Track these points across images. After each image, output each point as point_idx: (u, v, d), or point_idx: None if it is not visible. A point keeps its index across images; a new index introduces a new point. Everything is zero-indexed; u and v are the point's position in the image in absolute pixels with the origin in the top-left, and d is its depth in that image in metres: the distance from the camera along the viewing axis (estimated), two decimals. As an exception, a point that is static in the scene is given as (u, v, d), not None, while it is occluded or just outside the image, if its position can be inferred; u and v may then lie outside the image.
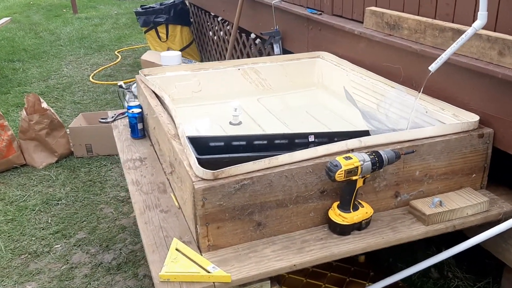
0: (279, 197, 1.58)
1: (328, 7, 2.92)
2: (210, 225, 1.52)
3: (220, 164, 1.63)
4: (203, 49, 5.85)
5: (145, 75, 2.51)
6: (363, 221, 1.62)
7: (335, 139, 1.97)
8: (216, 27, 5.15)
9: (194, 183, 1.49)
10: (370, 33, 2.42)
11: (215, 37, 5.20)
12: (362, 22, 2.57)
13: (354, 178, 1.54)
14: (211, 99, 2.65)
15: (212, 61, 5.48)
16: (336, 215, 1.60)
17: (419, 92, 1.88)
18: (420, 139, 1.75)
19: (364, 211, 1.62)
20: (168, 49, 5.32)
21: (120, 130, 2.52)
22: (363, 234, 1.63)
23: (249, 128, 2.33)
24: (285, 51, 3.45)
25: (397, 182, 1.74)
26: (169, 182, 1.96)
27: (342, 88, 2.64)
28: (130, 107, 2.43)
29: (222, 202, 1.51)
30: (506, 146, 1.79)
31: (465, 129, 1.81)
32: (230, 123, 2.38)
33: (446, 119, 1.94)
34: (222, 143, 1.84)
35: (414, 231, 1.65)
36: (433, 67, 1.80)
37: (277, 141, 1.90)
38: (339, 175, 1.51)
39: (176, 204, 1.81)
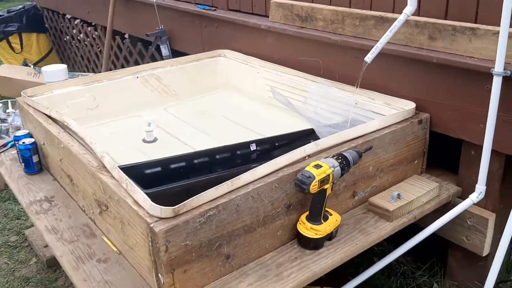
0: (247, 222, 1.39)
1: (222, 2, 2.75)
2: (176, 270, 1.27)
3: (169, 195, 1.39)
4: (64, 57, 5.27)
5: (29, 96, 2.09)
6: (333, 230, 1.50)
7: (276, 144, 1.83)
8: (79, 32, 4.66)
9: (151, 225, 1.22)
10: (279, 26, 2.31)
11: (78, 43, 4.70)
12: (266, 16, 2.45)
13: (325, 186, 1.40)
14: (111, 115, 2.31)
15: (78, 70, 4.97)
16: (308, 229, 1.46)
17: (356, 85, 1.81)
18: (369, 133, 1.68)
19: (334, 219, 1.50)
20: (25, 60, 4.68)
21: (8, 166, 2.07)
22: (336, 244, 1.51)
23: (169, 144, 2.06)
24: (175, 52, 3.19)
25: (354, 181, 1.65)
26: (95, 223, 1.64)
27: (253, 87, 2.50)
28: (18, 138, 2.00)
29: (187, 241, 1.27)
30: (443, 128, 1.81)
31: (406, 117, 1.78)
32: (144, 140, 2.09)
33: (380, 109, 1.91)
34: (159, 168, 1.58)
35: (382, 230, 1.58)
36: (369, 57, 1.74)
37: (218, 156, 1.69)
38: (314, 187, 1.36)
39: (115, 249, 1.50)
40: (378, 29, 1.90)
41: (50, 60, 4.94)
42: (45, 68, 2.33)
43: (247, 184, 1.39)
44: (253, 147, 1.76)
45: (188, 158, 1.62)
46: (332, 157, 1.45)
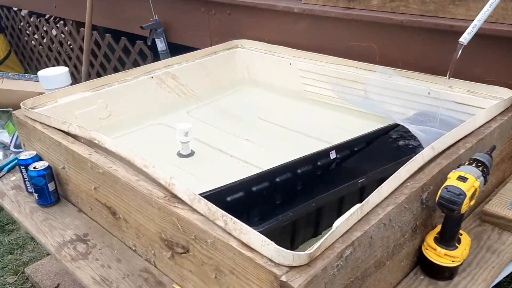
0: (378, 256, 1.09)
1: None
2: (312, 334, 0.95)
3: (276, 231, 1.07)
4: (25, 59, 4.72)
5: (30, 108, 1.68)
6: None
7: (355, 149, 1.53)
8: (43, 29, 4.14)
9: (283, 278, 0.90)
10: (319, 8, 1.99)
11: (43, 41, 4.19)
12: (294, -2, 2.13)
13: (471, 203, 1.12)
14: (128, 125, 1.93)
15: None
16: (441, 256, 1.17)
17: (449, 73, 1.52)
18: (477, 129, 1.41)
19: (466, 241, 1.22)
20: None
21: (12, 198, 1.66)
22: (468, 269, 1.23)
23: (211, 158, 1.72)
24: (172, 46, 2.81)
25: (466, 189, 1.37)
26: (157, 267, 1.28)
27: (284, 81, 2.17)
28: (24, 162, 1.60)
29: (325, 293, 0.95)
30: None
31: (507, 106, 1.53)
32: (180, 154, 1.74)
33: (463, 98, 1.64)
34: (242, 193, 1.24)
35: None
36: (466, 38, 1.45)
37: (299, 170, 1.37)
38: (465, 206, 1.07)
39: (198, 302, 1.16)
40: (457, 5, 1.63)
41: (9, 63, 4.39)
42: (43, 73, 1.90)
43: (374, 207, 1.08)
44: (332, 155, 1.45)
45: (269, 176, 1.29)
46: (470, 164, 1.16)
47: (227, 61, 2.31)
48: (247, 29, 2.36)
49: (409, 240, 1.18)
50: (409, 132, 1.55)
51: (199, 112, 2.08)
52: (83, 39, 3.64)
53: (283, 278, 0.90)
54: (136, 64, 3.28)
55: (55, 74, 1.87)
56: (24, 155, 1.62)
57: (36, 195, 1.58)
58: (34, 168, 1.55)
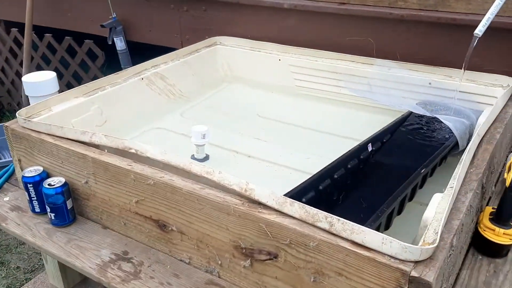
0: (461, 243, 1.13)
1: (212, -20, 2.32)
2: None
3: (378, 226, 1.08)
4: None
5: (27, 118, 1.50)
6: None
7: (384, 140, 1.57)
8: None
9: (413, 274, 0.90)
10: (311, 4, 2.00)
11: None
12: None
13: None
14: (125, 130, 1.81)
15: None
16: (500, 235, 1.24)
17: (464, 66, 1.61)
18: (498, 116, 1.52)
19: (516, 217, 1.30)
20: None
21: (18, 220, 1.47)
22: (516, 245, 1.33)
23: (229, 160, 1.67)
24: (134, 45, 2.67)
25: (494, 171, 1.47)
26: (221, 277, 1.22)
27: (274, 78, 2.16)
28: (31, 179, 1.43)
29: (443, 285, 0.97)
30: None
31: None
32: (194, 158, 1.66)
33: (466, 87, 1.75)
34: (313, 193, 1.21)
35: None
36: (481, 30, 1.54)
37: (349, 165, 1.37)
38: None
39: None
40: None
41: None
42: (29, 79, 1.68)
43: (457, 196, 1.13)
44: (370, 147, 1.48)
45: (328, 173, 1.28)
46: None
47: (208, 59, 2.24)
48: (225, 26, 2.31)
49: (473, 224, 1.24)
50: (422, 121, 1.63)
51: (193, 113, 2.00)
52: (14, 41, 3.32)
53: (414, 274, 0.90)
54: (84, 66, 3.06)
55: (44, 80, 1.67)
56: (29, 172, 1.45)
57: (52, 214, 1.42)
58: (50, 185, 1.39)
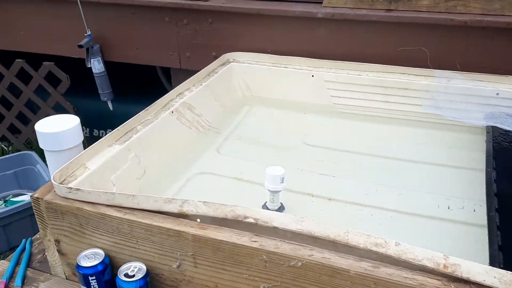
0: None
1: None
2: None
3: None
4: None
5: (72, 188, 1.11)
6: None
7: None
8: None
9: None
10: (352, 12, 1.77)
11: None
12: (309, 2, 1.86)
13: None
14: (167, 181, 1.46)
15: None
16: None
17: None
18: None
19: None
20: None
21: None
22: None
23: (307, 207, 1.38)
24: (112, 66, 2.27)
25: None
26: None
27: (303, 96, 1.91)
28: (93, 270, 1.06)
29: None
30: None
31: None
32: (267, 208, 1.36)
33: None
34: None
35: None
36: None
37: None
38: None
39: None
40: (524, 2, 1.60)
41: None
42: (44, 127, 1.23)
43: None
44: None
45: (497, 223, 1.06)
46: None
47: (225, 80, 1.93)
48: (237, 40, 2.01)
49: None
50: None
51: (228, 147, 1.68)
52: None
53: None
54: (42, 92, 2.57)
55: (67, 129, 1.25)
56: (87, 259, 1.07)
57: (130, 315, 1.05)
58: (128, 276, 1.03)
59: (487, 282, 0.83)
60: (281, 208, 1.37)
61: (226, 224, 1.01)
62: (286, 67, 1.92)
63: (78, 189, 1.08)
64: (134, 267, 1.05)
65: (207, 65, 1.87)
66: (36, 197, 1.12)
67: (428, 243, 1.20)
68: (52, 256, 1.20)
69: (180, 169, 1.52)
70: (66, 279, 1.22)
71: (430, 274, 0.87)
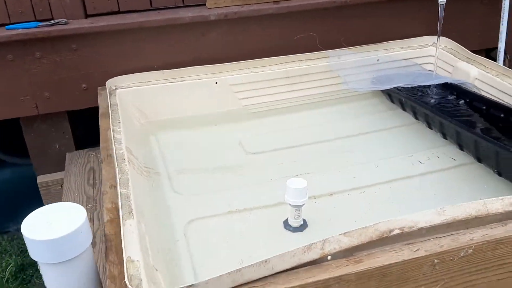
0: None
1: (77, 6, 1.63)
2: None
3: None
4: None
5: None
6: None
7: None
8: None
9: None
10: (247, 9, 1.72)
11: None
12: (185, 6, 1.72)
13: None
14: (167, 243, 1.19)
15: None
16: None
17: (438, 35, 1.72)
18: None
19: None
20: None
21: None
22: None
23: (318, 212, 1.34)
24: None
25: None
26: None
27: (210, 107, 1.78)
28: None
29: None
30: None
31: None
32: (290, 226, 1.27)
33: (408, 54, 1.92)
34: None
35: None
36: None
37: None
38: None
39: None
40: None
41: None
42: (40, 231, 0.73)
43: None
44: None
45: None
46: None
47: (123, 113, 1.62)
48: (114, 63, 1.70)
49: None
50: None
51: (182, 185, 1.45)
52: None
53: None
54: None
55: (75, 230, 0.81)
56: None
57: None
58: None
59: None
60: (304, 225, 1.28)
61: (363, 248, 0.91)
62: (184, 80, 1.73)
63: (191, 285, 0.79)
64: None
65: (76, 103, 1.56)
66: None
67: (441, 195, 1.31)
68: None
69: (169, 226, 1.24)
70: None
71: None
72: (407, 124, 1.69)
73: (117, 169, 1.17)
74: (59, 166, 1.80)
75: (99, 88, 1.69)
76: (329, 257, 0.90)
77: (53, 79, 1.66)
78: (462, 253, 0.91)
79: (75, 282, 0.90)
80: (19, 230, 0.91)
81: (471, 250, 0.91)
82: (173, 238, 1.20)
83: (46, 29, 1.56)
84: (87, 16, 1.66)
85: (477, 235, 0.93)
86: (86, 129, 1.80)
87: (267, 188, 1.40)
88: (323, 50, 1.81)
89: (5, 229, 2.12)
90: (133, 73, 1.68)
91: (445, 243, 0.92)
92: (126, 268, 0.85)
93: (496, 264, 0.95)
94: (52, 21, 1.59)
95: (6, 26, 1.56)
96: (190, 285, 0.80)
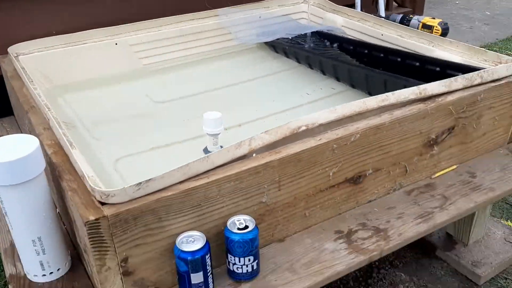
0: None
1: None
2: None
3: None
4: None
5: (136, 187, 0.96)
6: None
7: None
8: None
9: None
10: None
11: None
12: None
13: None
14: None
15: None
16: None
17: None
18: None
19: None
20: None
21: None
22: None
23: (239, 136, 1.56)
24: None
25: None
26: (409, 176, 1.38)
27: (111, 68, 1.88)
28: (204, 251, 1.01)
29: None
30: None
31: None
32: (208, 151, 1.47)
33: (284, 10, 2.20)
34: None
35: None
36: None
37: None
38: None
39: None
40: None
41: None
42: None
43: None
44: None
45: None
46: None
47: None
48: (8, 32, 1.72)
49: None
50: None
51: (101, 133, 1.56)
52: None
53: None
54: None
55: (31, 152, 0.86)
56: (188, 244, 1.00)
57: (254, 263, 1.07)
58: (240, 229, 1.04)
59: (441, 90, 1.34)
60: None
61: (279, 145, 1.14)
62: (84, 43, 1.81)
63: (149, 179, 0.96)
64: (238, 221, 1.05)
65: None
66: (96, 219, 0.91)
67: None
68: (111, 286, 0.99)
69: (100, 164, 1.36)
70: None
71: (416, 102, 1.31)
72: (292, 68, 1.96)
73: (47, 114, 1.26)
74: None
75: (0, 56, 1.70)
76: (254, 154, 1.12)
77: None
78: (353, 138, 1.19)
79: (34, 203, 1.00)
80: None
81: (359, 135, 1.19)
82: (106, 172, 1.32)
83: None
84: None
85: (361, 124, 1.21)
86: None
87: (182, 127, 1.57)
88: (211, 9, 2.00)
89: None
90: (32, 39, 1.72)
91: (339, 132, 1.18)
92: (88, 178, 0.98)
93: (377, 147, 1.25)
94: None
95: None
96: (149, 180, 0.96)
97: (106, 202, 0.93)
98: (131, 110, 1.69)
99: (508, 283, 1.80)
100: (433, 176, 1.42)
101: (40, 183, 1.01)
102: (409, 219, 1.26)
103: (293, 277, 1.09)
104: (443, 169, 1.43)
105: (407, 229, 1.23)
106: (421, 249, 1.92)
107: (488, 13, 4.83)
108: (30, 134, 1.11)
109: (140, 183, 0.94)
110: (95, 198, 0.94)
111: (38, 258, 1.06)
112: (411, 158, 1.34)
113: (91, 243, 0.92)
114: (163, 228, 0.99)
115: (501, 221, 2.03)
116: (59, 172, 1.05)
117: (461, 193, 1.35)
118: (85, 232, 0.91)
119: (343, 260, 1.13)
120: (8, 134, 1.65)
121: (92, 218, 0.90)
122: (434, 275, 1.83)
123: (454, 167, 1.46)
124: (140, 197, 0.95)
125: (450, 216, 1.27)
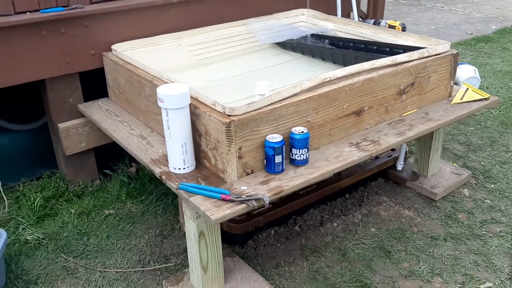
0: (411, 57, 2.61)
1: (86, -4, 2.39)
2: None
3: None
4: None
5: (250, 105, 1.75)
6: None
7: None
8: None
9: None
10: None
11: None
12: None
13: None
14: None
15: None
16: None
17: (307, 7, 2.86)
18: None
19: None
20: None
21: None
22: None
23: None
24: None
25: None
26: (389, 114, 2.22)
27: (176, 62, 2.67)
28: (281, 142, 1.80)
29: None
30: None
31: (313, 14, 3.09)
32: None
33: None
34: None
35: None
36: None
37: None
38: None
39: None
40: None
41: None
42: (169, 91, 1.46)
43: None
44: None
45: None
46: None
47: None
48: (110, 35, 2.48)
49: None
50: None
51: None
52: None
53: (453, 54, 2.37)
54: None
55: (187, 90, 1.63)
56: (276, 138, 1.79)
57: (306, 154, 1.86)
58: (298, 131, 1.84)
59: (405, 59, 2.19)
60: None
61: (316, 88, 1.96)
62: (159, 44, 2.59)
63: (253, 102, 1.75)
64: (299, 129, 1.85)
65: (87, 65, 2.38)
66: (229, 122, 1.69)
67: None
68: (231, 166, 1.76)
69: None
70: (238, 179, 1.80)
71: (391, 66, 2.15)
72: (300, 57, 2.79)
73: (169, 78, 2.03)
74: (72, 116, 2.51)
75: (103, 53, 2.46)
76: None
77: (72, 48, 2.38)
78: (357, 85, 2.01)
79: (185, 120, 1.77)
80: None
81: (360, 83, 2.02)
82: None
83: (70, 11, 2.29)
84: (91, 2, 2.42)
85: (361, 77, 2.04)
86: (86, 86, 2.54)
87: (236, 93, 2.36)
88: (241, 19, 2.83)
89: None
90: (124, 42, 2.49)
91: (349, 80, 2.00)
92: (217, 103, 1.76)
93: (370, 92, 2.08)
94: (72, 6, 2.33)
95: (41, 10, 2.26)
96: (253, 102, 1.74)
97: (231, 114, 1.71)
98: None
99: (454, 199, 2.65)
100: (403, 115, 2.26)
101: (188, 109, 1.78)
102: (391, 135, 2.08)
103: (328, 163, 1.89)
104: (408, 111, 2.28)
105: (390, 140, 2.05)
106: (396, 182, 2.78)
107: (433, 27, 5.89)
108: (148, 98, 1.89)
109: (249, 104, 1.73)
110: (225, 112, 1.72)
111: (183, 157, 1.83)
112: (390, 101, 2.18)
113: (226, 136, 1.69)
114: (259, 130, 1.78)
115: (449, 163, 2.92)
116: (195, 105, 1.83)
117: (421, 122, 2.20)
118: (223, 129, 1.68)
119: (355, 154, 1.94)
120: (105, 111, 2.40)
121: (227, 121, 1.69)
122: (406, 196, 2.69)
123: (415, 110, 2.30)
124: (249, 111, 1.74)
125: (415, 133, 2.11)
